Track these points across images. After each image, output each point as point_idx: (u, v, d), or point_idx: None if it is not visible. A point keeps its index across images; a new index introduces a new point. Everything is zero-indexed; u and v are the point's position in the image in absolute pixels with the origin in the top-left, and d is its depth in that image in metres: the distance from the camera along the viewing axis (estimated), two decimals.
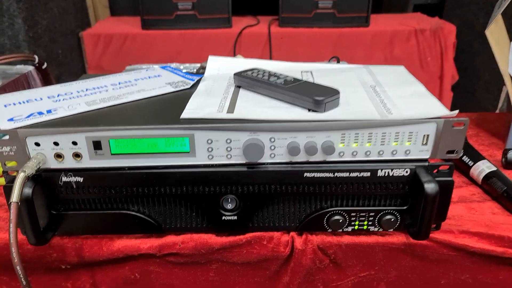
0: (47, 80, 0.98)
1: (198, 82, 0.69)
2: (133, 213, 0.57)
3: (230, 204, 0.56)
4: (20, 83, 0.89)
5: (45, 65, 0.99)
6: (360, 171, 0.54)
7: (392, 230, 0.57)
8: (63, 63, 1.56)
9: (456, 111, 0.52)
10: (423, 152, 0.54)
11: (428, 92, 0.60)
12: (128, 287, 0.63)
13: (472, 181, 0.71)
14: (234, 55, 1.65)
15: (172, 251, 0.59)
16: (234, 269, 0.61)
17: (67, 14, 1.60)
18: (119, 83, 0.67)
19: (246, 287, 0.63)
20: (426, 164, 0.54)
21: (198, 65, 1.00)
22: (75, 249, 0.59)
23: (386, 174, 0.54)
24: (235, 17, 1.76)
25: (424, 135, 0.53)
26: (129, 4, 1.94)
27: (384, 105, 0.56)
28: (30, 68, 0.93)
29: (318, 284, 0.61)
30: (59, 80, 1.12)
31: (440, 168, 0.54)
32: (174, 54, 1.69)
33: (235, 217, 0.57)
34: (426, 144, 0.53)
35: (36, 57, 0.98)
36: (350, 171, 0.54)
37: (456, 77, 1.79)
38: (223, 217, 0.57)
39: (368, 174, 0.54)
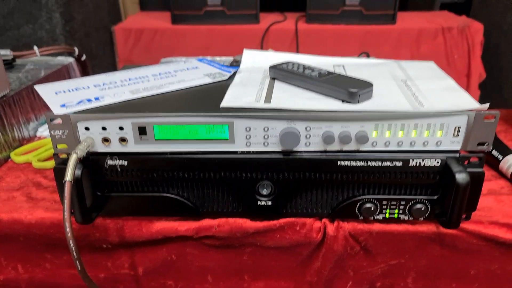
0: (85, 71, 1.02)
1: (234, 74, 0.71)
2: (173, 196, 0.60)
3: (265, 190, 0.59)
4: (61, 74, 0.93)
5: (84, 57, 1.03)
6: (392, 160, 0.56)
7: (422, 219, 0.59)
8: (96, 56, 1.61)
9: (487, 104, 0.53)
10: (454, 144, 0.55)
11: (459, 86, 0.62)
12: (165, 268, 0.66)
13: (501, 175, 0.72)
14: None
15: (208, 234, 0.62)
16: (267, 253, 0.64)
17: (101, 10, 1.66)
18: (160, 74, 0.70)
19: (278, 271, 0.65)
20: (457, 155, 0.55)
21: (230, 58, 1.03)
22: (116, 229, 0.63)
23: (418, 164, 0.56)
24: (262, 13, 1.79)
25: (455, 127, 0.54)
26: None
27: (415, 98, 0.58)
28: (71, 60, 0.97)
29: (349, 270, 0.63)
30: (93, 73, 1.16)
31: (471, 159, 0.56)
32: (202, 49, 1.73)
33: (270, 203, 0.60)
34: (457, 136, 0.55)
35: (76, 49, 1.02)
36: (382, 160, 0.56)
37: (484, 75, 1.77)
38: (258, 202, 0.60)
39: (400, 163, 0.56)
